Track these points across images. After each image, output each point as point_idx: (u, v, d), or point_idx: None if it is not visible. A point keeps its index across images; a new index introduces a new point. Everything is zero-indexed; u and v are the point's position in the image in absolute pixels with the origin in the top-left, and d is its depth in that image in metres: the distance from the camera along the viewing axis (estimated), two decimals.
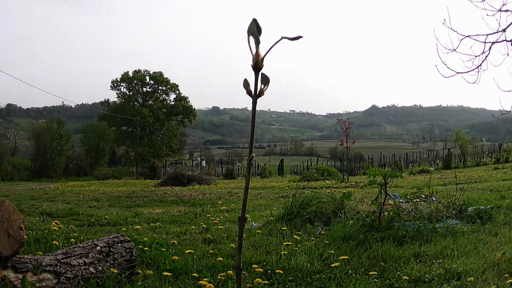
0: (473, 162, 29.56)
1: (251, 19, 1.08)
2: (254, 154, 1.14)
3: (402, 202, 5.41)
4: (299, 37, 1.08)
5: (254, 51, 1.07)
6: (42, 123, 44.04)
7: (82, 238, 4.28)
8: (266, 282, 3.08)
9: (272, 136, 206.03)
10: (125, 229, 5.44)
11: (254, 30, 1.07)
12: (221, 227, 5.25)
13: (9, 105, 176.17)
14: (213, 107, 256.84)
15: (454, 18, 7.09)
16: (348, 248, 3.96)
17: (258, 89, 1.10)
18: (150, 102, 54.96)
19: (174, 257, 3.65)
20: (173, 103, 56.44)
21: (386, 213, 4.69)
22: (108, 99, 57.06)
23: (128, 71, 55.12)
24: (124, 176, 38.08)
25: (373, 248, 3.91)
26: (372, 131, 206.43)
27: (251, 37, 1.07)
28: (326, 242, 4.10)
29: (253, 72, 1.09)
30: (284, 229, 4.62)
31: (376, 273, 3.13)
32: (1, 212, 2.36)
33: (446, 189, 6.84)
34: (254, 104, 1.11)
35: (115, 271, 2.87)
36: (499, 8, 6.98)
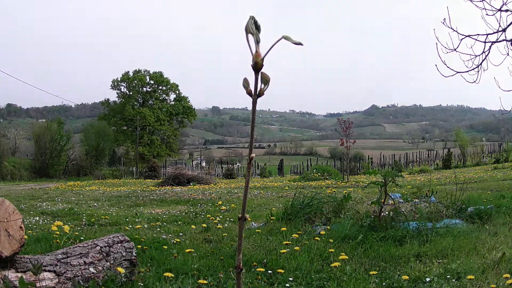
0: (473, 162, 29.59)
1: (249, 17, 1.07)
2: (254, 154, 1.14)
3: (402, 202, 5.41)
4: (300, 43, 1.08)
5: (254, 50, 1.07)
6: (42, 123, 44.10)
7: (82, 238, 4.28)
8: (266, 281, 3.09)
9: (272, 136, 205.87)
10: (127, 228, 5.45)
11: (253, 28, 1.07)
12: (220, 226, 5.25)
13: (9, 105, 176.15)
14: (213, 107, 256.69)
15: (454, 18, 7.09)
16: (348, 248, 3.96)
17: (258, 89, 1.10)
18: (150, 102, 54.90)
19: (174, 256, 3.66)
20: (173, 103, 56.41)
21: (386, 213, 4.70)
22: (108, 99, 57.02)
23: (128, 71, 55.07)
24: (124, 176, 38.12)
25: (373, 248, 3.91)
26: (372, 131, 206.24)
27: (250, 36, 1.07)
28: (326, 241, 4.10)
29: (253, 72, 1.09)
30: (284, 229, 4.62)
31: (376, 272, 3.12)
32: (1, 212, 2.36)
33: (445, 189, 6.84)
34: (254, 104, 1.11)
35: (122, 270, 2.87)
36: (499, 8, 6.99)
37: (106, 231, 5.13)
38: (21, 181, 30.97)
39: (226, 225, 5.64)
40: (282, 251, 3.67)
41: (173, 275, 3.01)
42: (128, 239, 3.28)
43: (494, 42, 7.33)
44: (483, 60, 7.38)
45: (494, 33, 7.26)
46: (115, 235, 3.22)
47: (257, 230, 4.83)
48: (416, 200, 5.50)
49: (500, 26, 7.14)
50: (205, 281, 2.92)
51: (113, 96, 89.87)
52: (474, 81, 7.47)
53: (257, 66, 1.07)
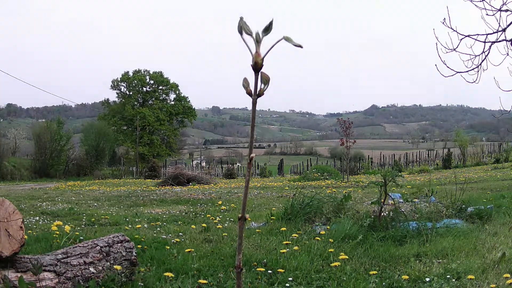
0: (472, 162, 29.62)
1: (239, 18, 1.08)
2: (254, 154, 1.14)
3: (402, 202, 5.41)
4: (300, 46, 1.08)
5: (253, 50, 1.07)
6: (42, 123, 44.09)
7: (82, 237, 4.28)
8: (266, 281, 3.09)
9: (272, 136, 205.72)
10: (127, 228, 5.45)
11: (249, 28, 1.07)
12: (220, 226, 5.25)
13: (9, 105, 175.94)
14: (213, 106, 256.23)
15: (454, 17, 7.10)
16: (348, 247, 3.96)
17: (258, 89, 1.10)
18: (150, 102, 54.91)
19: (174, 256, 3.66)
20: (173, 103, 56.41)
21: (386, 213, 4.70)
22: (108, 99, 57.04)
23: (128, 71, 55.07)
24: (124, 176, 38.12)
25: (373, 247, 3.91)
26: (372, 131, 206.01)
27: (248, 37, 1.07)
28: (326, 241, 4.10)
29: (252, 72, 1.09)
30: (284, 229, 4.63)
31: (376, 272, 3.12)
32: (1, 211, 2.36)
33: (445, 189, 6.83)
34: (254, 104, 1.11)
35: (119, 267, 2.87)
36: (499, 8, 6.99)
37: (106, 231, 5.13)
38: (21, 181, 30.97)
39: (226, 225, 5.64)
40: (282, 251, 3.67)
41: (173, 275, 3.01)
42: (128, 239, 3.28)
43: (494, 42, 7.33)
44: (483, 60, 7.38)
45: (494, 33, 7.26)
46: (115, 235, 3.22)
47: (257, 230, 4.84)
48: (416, 200, 5.50)
49: (500, 26, 7.15)
50: (205, 281, 2.92)
51: (113, 96, 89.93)
52: (474, 81, 7.48)
53: (257, 66, 1.07)
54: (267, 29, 1.07)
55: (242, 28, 1.06)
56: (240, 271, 1.21)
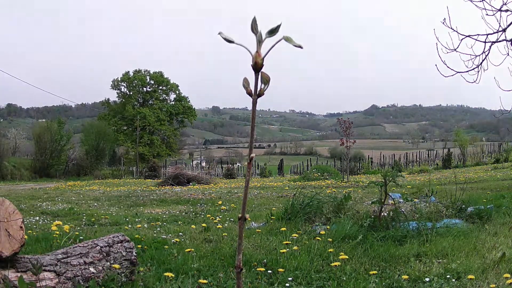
0: (472, 162, 29.62)
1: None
2: (254, 154, 1.14)
3: (402, 202, 5.41)
4: (300, 46, 1.08)
5: (254, 50, 1.07)
6: (43, 123, 44.13)
7: (82, 237, 4.28)
8: (266, 281, 3.09)
9: (272, 136, 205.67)
10: (127, 228, 5.45)
11: (257, 27, 1.07)
12: (220, 226, 5.25)
13: (9, 105, 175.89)
14: (213, 106, 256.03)
15: (454, 17, 7.10)
16: (348, 247, 3.96)
17: (258, 89, 1.10)
18: (151, 102, 54.91)
19: (174, 256, 3.66)
20: (173, 103, 56.43)
21: (386, 213, 4.70)
22: (108, 99, 57.00)
23: (128, 71, 55.07)
24: (124, 176, 38.14)
25: (373, 247, 3.91)
26: (372, 131, 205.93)
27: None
28: (326, 241, 4.10)
29: (253, 72, 1.09)
30: (284, 229, 4.62)
31: (376, 272, 3.12)
32: (1, 211, 2.36)
33: (445, 189, 6.84)
34: (254, 104, 1.11)
35: (118, 266, 2.87)
36: (499, 8, 6.99)
37: (106, 231, 5.13)
38: (21, 181, 30.98)
39: (226, 225, 5.64)
40: (282, 251, 3.67)
41: (173, 275, 3.01)
42: (128, 239, 3.28)
43: (494, 42, 7.34)
44: (483, 60, 7.39)
45: (494, 33, 7.27)
46: (115, 235, 3.22)
47: (257, 230, 4.84)
48: (416, 200, 5.50)
49: (500, 26, 7.15)
50: (205, 281, 2.92)
51: (113, 96, 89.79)
52: (474, 81, 7.49)
53: (257, 66, 1.07)
54: (273, 32, 1.07)
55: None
56: (240, 271, 1.21)
